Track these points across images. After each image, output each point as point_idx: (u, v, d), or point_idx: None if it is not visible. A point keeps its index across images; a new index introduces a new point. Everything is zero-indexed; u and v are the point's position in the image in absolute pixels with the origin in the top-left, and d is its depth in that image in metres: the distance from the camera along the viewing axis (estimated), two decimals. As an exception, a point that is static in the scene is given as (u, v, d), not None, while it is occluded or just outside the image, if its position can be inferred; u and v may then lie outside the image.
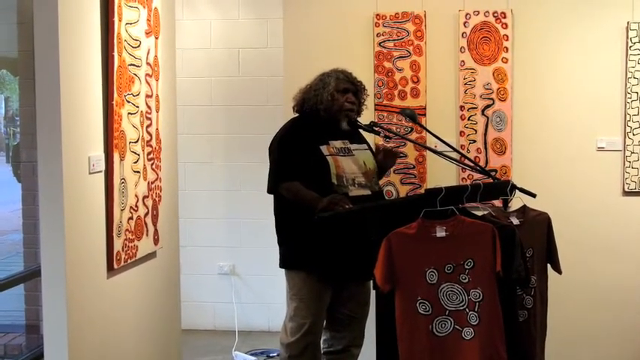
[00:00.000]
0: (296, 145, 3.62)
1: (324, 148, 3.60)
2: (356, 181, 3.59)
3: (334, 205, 3.30)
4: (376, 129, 3.84)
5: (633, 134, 4.37)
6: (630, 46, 4.34)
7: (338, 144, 3.66)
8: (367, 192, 3.59)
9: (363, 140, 3.83)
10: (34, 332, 4.78)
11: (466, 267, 2.89)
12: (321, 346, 3.80)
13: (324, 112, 3.67)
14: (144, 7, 3.66)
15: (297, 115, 3.81)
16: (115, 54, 3.33)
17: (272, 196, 3.71)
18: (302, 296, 3.64)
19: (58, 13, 2.99)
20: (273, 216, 3.77)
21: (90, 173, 3.21)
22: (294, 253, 3.66)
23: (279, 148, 3.67)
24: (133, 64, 3.53)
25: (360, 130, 3.81)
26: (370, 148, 3.86)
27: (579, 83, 4.44)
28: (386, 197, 3.88)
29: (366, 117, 4.02)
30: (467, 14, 4.41)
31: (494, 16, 4.39)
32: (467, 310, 2.89)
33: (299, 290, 3.65)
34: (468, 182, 4.26)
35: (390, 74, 4.45)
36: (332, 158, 3.58)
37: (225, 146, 5.85)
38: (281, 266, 3.73)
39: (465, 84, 4.43)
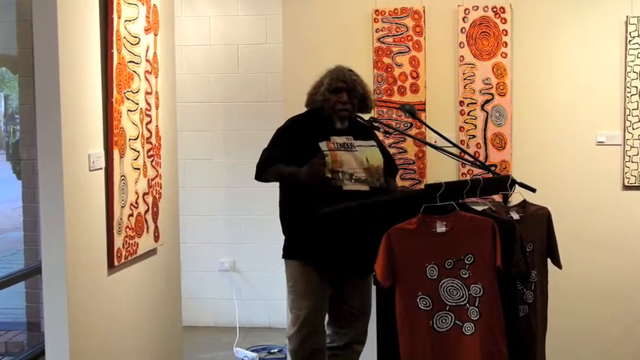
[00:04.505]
0: (291, 139, 3.66)
1: (323, 144, 3.61)
2: (354, 177, 3.59)
3: (314, 169, 3.43)
4: (376, 125, 3.84)
5: (633, 128, 4.37)
6: (629, 40, 4.34)
7: (340, 140, 3.67)
8: (365, 188, 3.59)
9: (370, 137, 3.81)
10: (35, 330, 4.79)
11: (466, 262, 2.90)
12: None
13: (320, 111, 3.71)
14: (143, 4, 3.66)
15: (307, 109, 3.83)
16: (115, 51, 3.33)
17: (276, 191, 3.74)
18: (297, 288, 3.67)
19: (57, 10, 2.99)
20: (272, 212, 3.78)
21: (90, 170, 3.22)
22: (291, 243, 3.68)
23: (273, 139, 3.75)
24: (133, 61, 3.53)
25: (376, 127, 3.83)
26: (380, 145, 3.84)
27: (579, 78, 4.44)
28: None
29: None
30: (466, 9, 4.41)
31: (494, 11, 4.39)
32: (467, 306, 2.89)
33: (295, 282, 3.68)
34: (468, 177, 4.26)
35: (389, 70, 4.45)
36: (330, 153, 3.59)
37: (224, 143, 5.86)
38: (282, 256, 3.75)
39: (465, 79, 4.42)
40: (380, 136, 4.29)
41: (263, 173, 3.68)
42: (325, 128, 3.68)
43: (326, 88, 3.69)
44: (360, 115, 3.80)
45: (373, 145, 3.78)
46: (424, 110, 4.42)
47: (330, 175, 3.55)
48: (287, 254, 3.72)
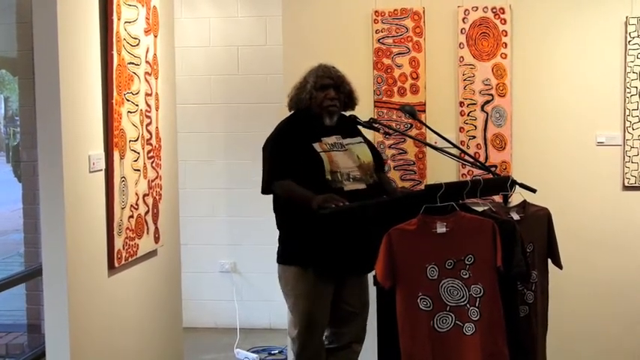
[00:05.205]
0: (288, 144, 3.62)
1: (316, 145, 3.60)
2: (351, 176, 3.59)
3: (329, 204, 3.30)
4: (375, 126, 3.84)
5: (633, 129, 4.37)
6: (629, 41, 4.34)
7: (331, 140, 3.66)
8: (362, 185, 3.59)
9: (357, 134, 3.81)
10: (36, 331, 4.78)
11: (467, 262, 2.90)
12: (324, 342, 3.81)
13: (308, 110, 3.69)
14: (143, 5, 3.66)
15: (291, 113, 3.81)
16: (115, 53, 3.34)
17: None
18: (299, 291, 3.65)
19: (57, 12, 2.99)
20: (273, 213, 3.77)
21: (90, 172, 3.22)
22: (291, 249, 3.66)
23: (271, 148, 3.67)
24: (133, 63, 3.53)
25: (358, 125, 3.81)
26: (367, 141, 3.84)
27: (578, 78, 4.44)
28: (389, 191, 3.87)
29: (366, 114, 4.03)
30: (465, 10, 4.41)
31: (493, 12, 4.39)
32: (468, 306, 2.89)
33: (295, 286, 3.66)
34: (468, 178, 4.26)
35: (389, 71, 4.45)
36: (326, 155, 3.58)
37: (224, 144, 5.86)
38: (278, 261, 3.73)
39: (464, 80, 4.43)
40: (380, 136, 4.30)
41: (272, 187, 3.60)
42: (315, 128, 3.67)
43: (312, 85, 3.67)
44: (353, 114, 3.79)
45: (361, 142, 3.77)
46: (424, 111, 4.42)
47: (330, 178, 3.55)
48: (285, 260, 3.69)
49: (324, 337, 3.79)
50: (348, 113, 3.80)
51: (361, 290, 3.76)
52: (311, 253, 3.55)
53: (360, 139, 3.79)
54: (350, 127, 3.78)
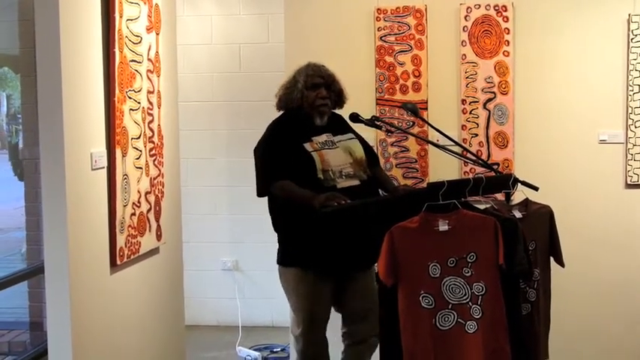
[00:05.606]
0: (280, 145, 3.60)
1: (307, 145, 3.58)
2: (343, 173, 3.57)
3: (331, 202, 3.29)
4: (378, 123, 3.83)
5: (635, 127, 4.36)
6: (632, 39, 4.34)
7: (321, 139, 3.65)
8: (356, 182, 3.58)
9: (347, 130, 3.79)
10: (38, 329, 4.79)
11: (469, 260, 2.89)
12: (341, 338, 3.79)
13: (299, 109, 3.67)
14: (144, 3, 3.66)
15: (281, 113, 3.80)
16: (116, 50, 3.34)
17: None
18: (300, 291, 3.64)
19: (59, 10, 2.99)
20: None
21: (92, 169, 3.22)
22: (289, 251, 3.66)
23: (263, 150, 3.66)
24: (134, 61, 3.53)
25: (349, 121, 3.79)
26: (358, 137, 3.83)
27: (581, 76, 4.43)
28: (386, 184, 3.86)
29: (368, 112, 4.02)
30: (468, 8, 4.40)
31: (495, 10, 4.38)
32: (470, 304, 2.89)
33: (296, 287, 3.65)
34: (470, 176, 4.26)
35: (391, 68, 4.45)
36: (317, 154, 3.56)
37: (226, 142, 5.86)
38: (278, 262, 3.73)
39: (467, 77, 4.42)
40: (382, 134, 4.29)
41: (271, 188, 3.57)
42: (305, 127, 3.65)
43: (303, 85, 3.66)
44: (355, 112, 3.77)
45: (352, 138, 3.76)
46: (426, 109, 4.42)
47: (322, 177, 3.54)
48: (285, 262, 3.68)
49: (341, 334, 3.79)
50: (339, 111, 3.79)
51: (368, 286, 3.72)
52: (310, 254, 3.55)
53: (351, 135, 3.77)
54: (340, 124, 3.77)
